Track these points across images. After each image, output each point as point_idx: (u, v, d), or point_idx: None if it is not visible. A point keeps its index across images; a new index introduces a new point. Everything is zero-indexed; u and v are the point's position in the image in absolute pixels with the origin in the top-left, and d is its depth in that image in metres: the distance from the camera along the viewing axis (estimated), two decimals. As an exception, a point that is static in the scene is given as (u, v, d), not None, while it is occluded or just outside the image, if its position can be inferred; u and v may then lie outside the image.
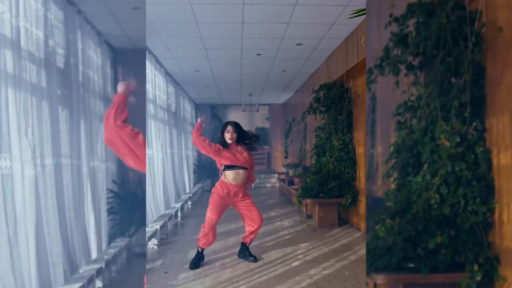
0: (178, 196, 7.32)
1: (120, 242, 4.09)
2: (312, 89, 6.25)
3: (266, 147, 13.93)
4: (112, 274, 3.45)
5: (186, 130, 9.42)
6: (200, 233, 3.69)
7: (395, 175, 2.36)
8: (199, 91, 9.88)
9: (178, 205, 6.46)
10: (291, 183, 8.13)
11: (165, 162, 6.40)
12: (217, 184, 3.67)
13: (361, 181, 5.20)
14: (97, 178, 3.37)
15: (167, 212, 5.83)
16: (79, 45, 3.08)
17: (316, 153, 5.86)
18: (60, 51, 2.81)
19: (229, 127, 3.61)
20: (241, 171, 3.57)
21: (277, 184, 11.26)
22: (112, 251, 3.54)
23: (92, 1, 3.16)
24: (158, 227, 4.58)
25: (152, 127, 5.66)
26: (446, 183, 2.13)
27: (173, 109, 7.50)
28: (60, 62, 2.78)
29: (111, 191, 4.07)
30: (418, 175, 2.19)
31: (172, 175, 6.91)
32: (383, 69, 2.39)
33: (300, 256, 3.96)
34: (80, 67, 3.07)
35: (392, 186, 2.46)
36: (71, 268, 2.76)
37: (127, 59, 4.88)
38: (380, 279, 2.12)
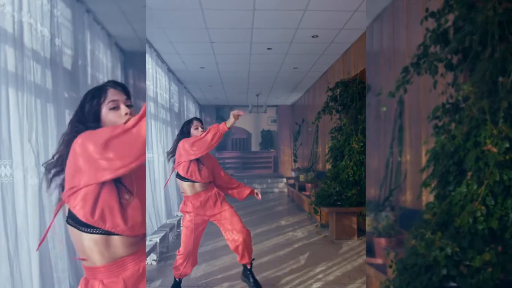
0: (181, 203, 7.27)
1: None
2: (328, 87, 6.20)
3: (272, 150, 13.97)
4: None
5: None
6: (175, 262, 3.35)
7: (433, 184, 2.30)
8: (204, 91, 9.85)
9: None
10: (302, 188, 8.08)
11: (166, 166, 6.35)
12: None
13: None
14: None
15: (168, 221, 5.77)
16: (88, 46, 3.06)
17: (333, 156, 5.79)
18: (68, 51, 2.78)
19: (196, 123, 3.30)
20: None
21: (286, 190, 11.24)
22: None
23: (102, 0, 3.12)
24: (158, 240, 4.44)
25: (153, 127, 5.60)
26: (493, 194, 2.07)
27: (176, 109, 7.46)
28: (67, 63, 2.75)
29: None
30: (461, 184, 2.13)
31: (175, 181, 6.85)
32: (419, 68, 2.33)
33: (320, 276, 3.80)
34: (89, 69, 3.05)
35: (423, 196, 2.41)
36: (78, 284, 2.71)
37: (139, 63, 4.85)
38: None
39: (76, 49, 2.85)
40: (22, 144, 2.11)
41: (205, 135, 3.03)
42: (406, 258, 2.15)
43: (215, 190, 3.36)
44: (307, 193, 7.50)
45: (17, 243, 2.05)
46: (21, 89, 2.13)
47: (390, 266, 2.27)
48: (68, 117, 2.69)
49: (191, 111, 10.00)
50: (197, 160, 3.20)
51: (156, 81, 5.85)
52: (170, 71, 7.04)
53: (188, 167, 3.18)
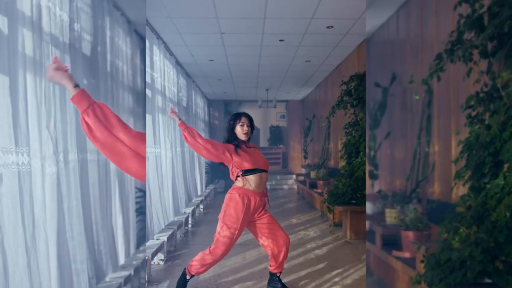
0: (189, 200, 7.27)
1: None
2: (342, 80, 6.17)
3: (281, 146, 14.05)
4: (141, 281, 3.43)
5: (198, 127, 9.41)
6: (198, 259, 3.15)
7: (466, 176, 2.27)
8: (213, 85, 9.85)
9: (189, 210, 6.40)
10: (313, 186, 8.07)
11: (174, 162, 6.35)
12: (232, 193, 3.12)
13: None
14: (125, 175, 3.35)
15: (176, 219, 5.73)
16: (107, 32, 3.04)
17: (347, 153, 5.76)
18: (87, 37, 2.77)
19: (244, 119, 3.17)
20: (263, 174, 3.15)
21: (295, 186, 11.25)
22: (141, 255, 3.52)
23: (122, -15, 3.12)
24: (165, 239, 4.36)
25: (160, 122, 5.57)
26: (531, 187, 2.04)
27: (184, 103, 7.45)
28: (86, 49, 2.74)
29: (140, 190, 4.02)
30: (498, 176, 2.10)
31: (182, 176, 6.86)
32: (453, 55, 2.30)
33: (337, 279, 3.70)
34: (108, 56, 3.05)
35: (453, 187, 2.38)
36: (97, 276, 2.72)
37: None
38: (456, 298, 2.04)
39: (95, 35, 2.84)
40: (40, 131, 2.10)
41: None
42: (439, 253, 2.12)
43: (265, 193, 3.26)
44: (319, 190, 7.48)
45: (34, 234, 2.04)
46: (39, 74, 2.12)
47: (422, 261, 2.24)
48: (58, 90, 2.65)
49: (200, 105, 10.01)
50: (241, 147, 3.13)
51: (164, 74, 5.84)
52: (178, 64, 7.04)
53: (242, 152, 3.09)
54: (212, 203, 8.74)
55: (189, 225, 6.23)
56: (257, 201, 3.12)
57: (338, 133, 7.48)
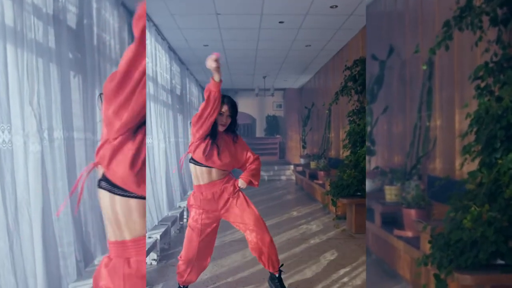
0: (184, 193, 7.24)
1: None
2: (345, 65, 6.13)
3: (278, 136, 14.19)
4: None
5: (193, 116, 9.36)
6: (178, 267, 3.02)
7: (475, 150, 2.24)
8: (208, 73, 9.63)
9: (184, 203, 6.37)
10: (313, 176, 8.06)
11: (168, 153, 6.31)
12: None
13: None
14: None
15: (170, 214, 5.68)
16: (94, 4, 3.01)
17: (351, 142, 5.72)
18: (72, 8, 2.74)
19: (224, 107, 2.88)
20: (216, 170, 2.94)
21: (293, 177, 11.29)
22: None
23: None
24: (158, 237, 4.20)
25: (152, 110, 5.50)
26: (547, 161, 2.02)
27: (178, 91, 7.41)
28: (71, 21, 2.72)
29: None
30: (511, 151, 2.07)
31: (176, 168, 6.82)
32: (461, 22, 2.27)
33: (345, 280, 3.55)
34: (95, 29, 3.02)
35: (456, 164, 2.36)
36: (85, 258, 2.72)
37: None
38: (465, 279, 2.02)
39: (81, 7, 2.81)
40: (22, 107, 2.07)
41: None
42: (448, 233, 2.10)
43: (232, 181, 3.00)
44: (320, 181, 7.47)
45: (17, 216, 2.02)
46: (21, 46, 2.09)
47: (430, 242, 2.22)
48: (73, 79, 2.66)
49: (194, 94, 9.97)
50: (214, 141, 2.85)
51: (155, 59, 5.77)
52: (171, 49, 6.98)
53: (205, 148, 2.82)
54: (209, 197, 8.69)
55: (184, 220, 6.18)
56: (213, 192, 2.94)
57: (340, 122, 7.46)
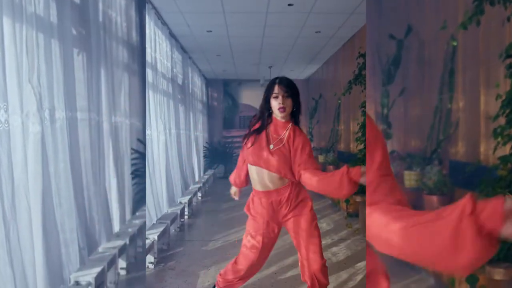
0: (185, 187, 7.22)
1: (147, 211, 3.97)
2: (359, 52, 6.09)
3: None
4: (138, 250, 3.38)
5: (195, 107, 9.36)
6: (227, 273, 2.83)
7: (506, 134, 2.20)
8: (211, 62, 9.79)
9: (186, 199, 6.34)
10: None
11: (168, 145, 6.28)
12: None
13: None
14: (120, 136, 3.33)
15: (170, 211, 5.60)
16: (99, -21, 3.01)
17: (365, 135, 5.67)
18: (75, -19, 2.72)
19: (277, 88, 2.51)
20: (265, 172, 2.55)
21: (300, 171, 11.24)
22: (137, 222, 3.46)
23: None
24: (156, 238, 4.02)
25: (151, 100, 5.44)
26: None
27: (179, 80, 7.38)
28: (75, -5, 2.70)
29: (136, 151, 3.94)
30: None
31: (178, 161, 6.80)
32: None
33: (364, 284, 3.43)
34: (100, 5, 3.00)
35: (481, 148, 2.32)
36: (89, 245, 2.72)
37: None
38: (497, 273, 1.98)
39: (85, -19, 2.79)
40: (21, 85, 2.04)
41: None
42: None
43: (290, 190, 2.57)
44: (329, 176, 7.42)
45: (14, 201, 1.99)
46: (19, 20, 2.06)
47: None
48: (76, 56, 2.64)
49: (197, 85, 9.96)
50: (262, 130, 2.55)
51: (155, 45, 5.73)
52: (172, 36, 6.95)
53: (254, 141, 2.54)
54: (211, 190, 8.72)
55: (185, 217, 6.16)
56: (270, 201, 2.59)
57: (351, 113, 7.42)
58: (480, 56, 2.97)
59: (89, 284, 2.41)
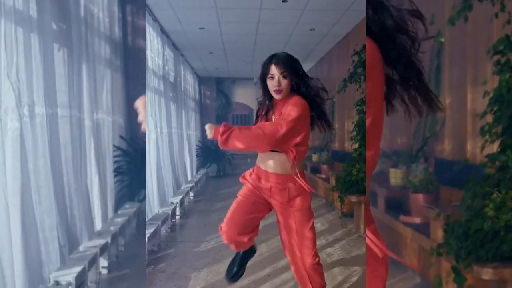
0: (177, 187, 7.20)
1: (129, 209, 3.96)
2: (354, 50, 6.08)
3: None
4: (120, 249, 3.34)
5: (187, 105, 9.34)
6: None
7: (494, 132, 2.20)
8: (203, 60, 9.78)
9: (177, 199, 6.32)
10: (314, 170, 8.05)
11: (160, 144, 6.26)
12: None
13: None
14: (101, 133, 3.31)
15: (161, 211, 5.55)
16: (80, -27, 3.00)
17: (360, 134, 5.66)
18: (55, -26, 2.70)
19: (273, 68, 2.36)
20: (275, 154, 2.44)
21: (293, 170, 11.25)
22: (120, 220, 3.45)
23: None
24: (146, 240, 4.01)
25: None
26: None
27: (171, 78, 7.35)
28: (55, -11, 2.68)
29: (118, 148, 3.96)
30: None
31: (169, 160, 6.78)
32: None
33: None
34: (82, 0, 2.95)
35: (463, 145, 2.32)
36: (70, 243, 2.70)
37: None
38: (486, 273, 1.97)
39: (66, -25, 2.78)
40: (-1, 80, 2.02)
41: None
42: (467, 222, 2.06)
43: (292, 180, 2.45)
44: (323, 175, 7.44)
45: (-8, 199, 1.97)
46: (-4, 13, 2.03)
47: (445, 231, 2.18)
48: (57, 52, 2.62)
49: (189, 82, 9.95)
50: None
51: (145, 41, 5.70)
52: (164, 32, 6.92)
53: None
54: (204, 190, 8.69)
55: (177, 217, 6.12)
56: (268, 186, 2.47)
57: (346, 112, 7.43)
58: (467, 52, 2.98)
59: (69, 283, 2.38)
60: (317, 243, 4.50)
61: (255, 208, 2.51)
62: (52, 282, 2.40)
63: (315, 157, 8.40)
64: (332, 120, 8.32)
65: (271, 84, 2.36)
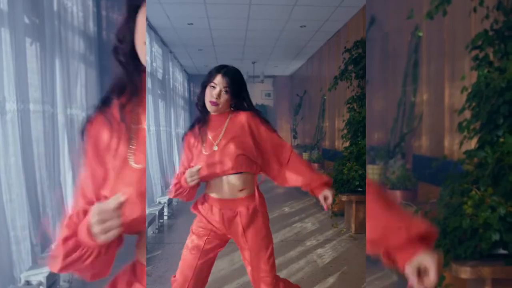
0: (165, 186, 7.18)
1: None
2: (345, 47, 6.09)
3: None
4: None
5: (176, 103, 9.32)
6: None
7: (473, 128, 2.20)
8: (193, 57, 9.79)
9: (165, 199, 6.29)
10: (305, 169, 8.05)
11: (148, 143, 6.24)
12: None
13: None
14: (76, 128, 3.27)
15: (148, 212, 5.53)
16: (53, -34, 2.99)
17: (351, 132, 5.67)
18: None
19: (219, 78, 2.10)
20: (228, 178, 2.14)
21: (283, 169, 11.34)
22: None
23: None
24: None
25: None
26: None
27: (159, 75, 7.33)
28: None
29: None
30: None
31: (157, 159, 6.77)
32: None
33: None
34: None
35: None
36: (42, 242, 2.67)
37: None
38: (464, 271, 1.98)
39: (37, -34, 2.77)
40: (-34, 75, 2.00)
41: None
42: (445, 219, 2.06)
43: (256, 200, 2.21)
44: (315, 175, 7.44)
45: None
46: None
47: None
48: (29, 46, 2.61)
49: (178, 80, 9.91)
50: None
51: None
52: (151, 28, 6.91)
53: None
54: (193, 190, 8.64)
55: (165, 217, 6.09)
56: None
57: (336, 110, 7.44)
58: (445, 47, 2.99)
59: (40, 283, 2.37)
60: (308, 243, 4.59)
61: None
62: (22, 282, 2.39)
63: (305, 156, 8.44)
64: (322, 118, 8.37)
65: (210, 94, 2.11)
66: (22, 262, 2.44)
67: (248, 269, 2.28)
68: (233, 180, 2.13)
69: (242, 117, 2.20)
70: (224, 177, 2.13)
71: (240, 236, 2.20)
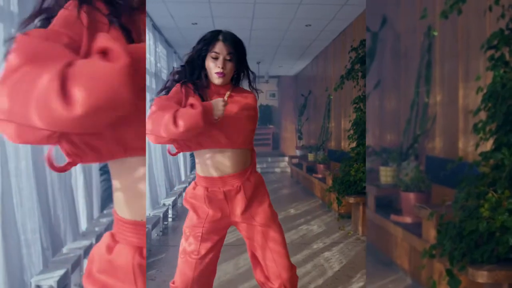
0: (170, 188, 7.18)
1: (116, 208, 3.91)
2: (351, 46, 6.08)
3: (271, 126, 14.55)
4: None
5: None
6: None
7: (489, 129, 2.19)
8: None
9: (170, 200, 6.29)
10: (311, 170, 8.08)
11: (151, 144, 6.21)
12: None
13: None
14: None
15: (152, 214, 5.50)
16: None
17: (358, 132, 5.65)
18: None
19: (220, 46, 1.99)
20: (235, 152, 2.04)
21: (289, 170, 11.46)
22: (105, 220, 3.42)
23: None
24: None
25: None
26: None
27: (164, 76, 7.34)
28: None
29: None
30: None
31: (162, 160, 6.76)
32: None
33: None
34: None
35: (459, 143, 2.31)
36: (53, 245, 2.68)
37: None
38: (481, 276, 1.97)
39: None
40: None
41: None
42: (461, 222, 2.05)
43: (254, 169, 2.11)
44: (319, 175, 7.44)
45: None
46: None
47: (439, 231, 2.17)
48: (2, 31, 2.50)
49: (181, 80, 9.89)
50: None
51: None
52: (155, 28, 6.91)
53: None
54: (198, 191, 8.63)
55: (169, 220, 6.08)
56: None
57: (342, 110, 7.43)
58: (459, 47, 2.98)
59: (51, 287, 2.37)
60: (314, 246, 4.56)
61: None
62: (33, 286, 2.40)
63: (311, 157, 8.42)
64: (328, 119, 8.36)
65: (213, 65, 1.96)
66: (33, 265, 2.44)
67: (257, 270, 2.29)
68: (240, 155, 2.01)
69: (250, 99, 2.10)
70: (229, 151, 1.98)
71: (245, 210, 2.06)
